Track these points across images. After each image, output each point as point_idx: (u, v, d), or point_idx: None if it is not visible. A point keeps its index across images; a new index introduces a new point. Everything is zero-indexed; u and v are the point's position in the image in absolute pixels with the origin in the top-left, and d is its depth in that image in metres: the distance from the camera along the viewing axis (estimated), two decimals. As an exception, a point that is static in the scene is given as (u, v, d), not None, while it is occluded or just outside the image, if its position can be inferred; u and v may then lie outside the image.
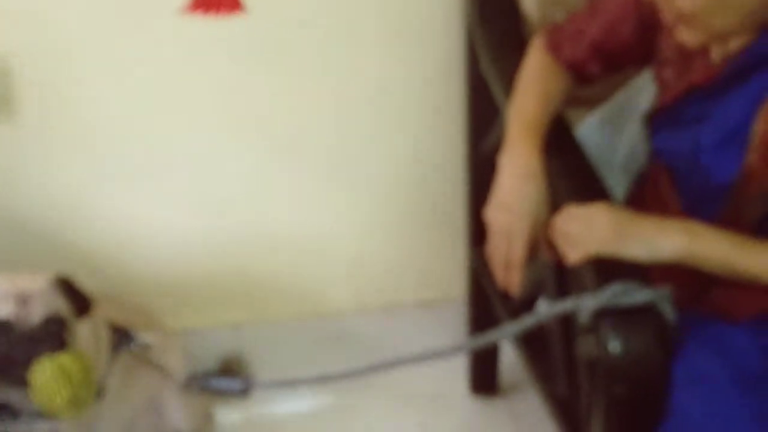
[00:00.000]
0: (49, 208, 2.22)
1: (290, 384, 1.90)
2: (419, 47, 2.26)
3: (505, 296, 1.81)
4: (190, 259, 2.34)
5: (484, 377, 2.36)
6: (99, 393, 2.03)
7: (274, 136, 2.28)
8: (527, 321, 1.62)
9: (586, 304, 1.54)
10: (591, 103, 2.04)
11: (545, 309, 1.61)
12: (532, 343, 1.96)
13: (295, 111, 2.26)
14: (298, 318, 2.44)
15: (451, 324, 2.43)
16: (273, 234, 2.36)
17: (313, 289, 2.43)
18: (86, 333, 1.99)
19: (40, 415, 1.93)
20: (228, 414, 2.30)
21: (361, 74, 2.26)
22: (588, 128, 2.02)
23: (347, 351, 2.41)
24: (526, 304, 1.80)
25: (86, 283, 2.01)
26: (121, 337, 2.06)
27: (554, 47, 1.81)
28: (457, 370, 2.35)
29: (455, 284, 2.37)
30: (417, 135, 2.33)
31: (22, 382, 1.83)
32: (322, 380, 1.90)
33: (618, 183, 1.93)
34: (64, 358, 1.83)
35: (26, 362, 1.84)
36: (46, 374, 1.81)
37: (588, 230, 1.58)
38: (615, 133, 1.98)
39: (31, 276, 1.91)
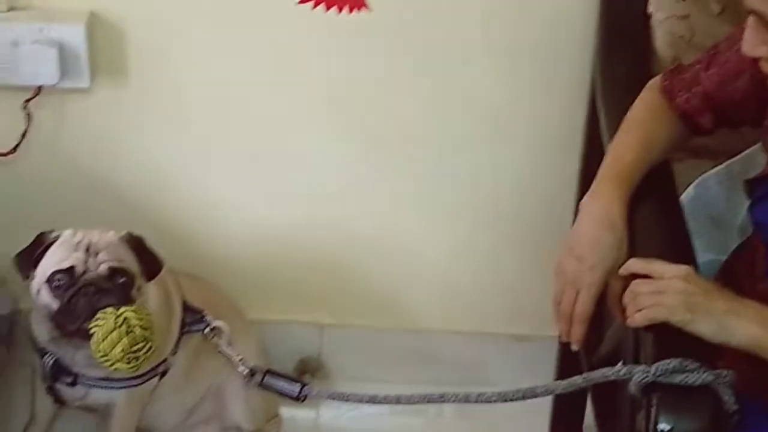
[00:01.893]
0: (142, 179, 2.20)
1: (350, 398, 1.82)
2: (544, 76, 2.14)
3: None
4: (281, 253, 2.29)
5: (567, 429, 2.24)
6: (163, 371, 2.01)
7: (383, 143, 2.21)
8: (576, 381, 1.51)
9: (636, 375, 1.42)
10: (719, 156, 1.91)
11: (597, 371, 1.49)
12: (604, 405, 1.83)
13: (409, 120, 2.18)
14: (383, 328, 2.37)
15: (541, 361, 2.30)
16: (369, 241, 2.29)
17: (402, 302, 2.35)
18: (154, 296, 1.97)
19: (98, 379, 1.92)
20: (297, 418, 2.25)
21: (479, 94, 2.16)
22: (708, 182, 1.88)
23: (429, 370, 2.34)
24: (609, 360, 1.69)
25: (169, 259, 1.99)
26: (195, 317, 2.02)
27: (669, 91, 1.68)
28: (542, 413, 2.24)
29: (549, 322, 2.25)
30: (530, 166, 2.24)
31: (83, 334, 1.83)
32: (387, 401, 1.82)
33: (733, 245, 1.79)
34: (127, 311, 1.81)
35: (89, 312, 1.83)
36: (109, 324, 1.80)
37: (658, 294, 1.46)
38: (737, 192, 1.83)
39: (103, 231, 1.90)
